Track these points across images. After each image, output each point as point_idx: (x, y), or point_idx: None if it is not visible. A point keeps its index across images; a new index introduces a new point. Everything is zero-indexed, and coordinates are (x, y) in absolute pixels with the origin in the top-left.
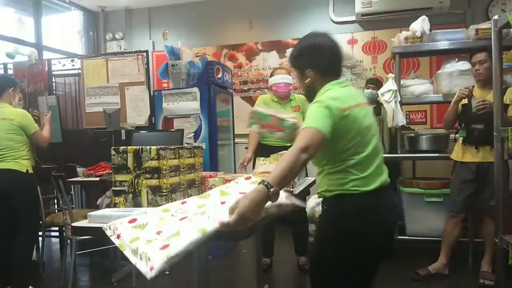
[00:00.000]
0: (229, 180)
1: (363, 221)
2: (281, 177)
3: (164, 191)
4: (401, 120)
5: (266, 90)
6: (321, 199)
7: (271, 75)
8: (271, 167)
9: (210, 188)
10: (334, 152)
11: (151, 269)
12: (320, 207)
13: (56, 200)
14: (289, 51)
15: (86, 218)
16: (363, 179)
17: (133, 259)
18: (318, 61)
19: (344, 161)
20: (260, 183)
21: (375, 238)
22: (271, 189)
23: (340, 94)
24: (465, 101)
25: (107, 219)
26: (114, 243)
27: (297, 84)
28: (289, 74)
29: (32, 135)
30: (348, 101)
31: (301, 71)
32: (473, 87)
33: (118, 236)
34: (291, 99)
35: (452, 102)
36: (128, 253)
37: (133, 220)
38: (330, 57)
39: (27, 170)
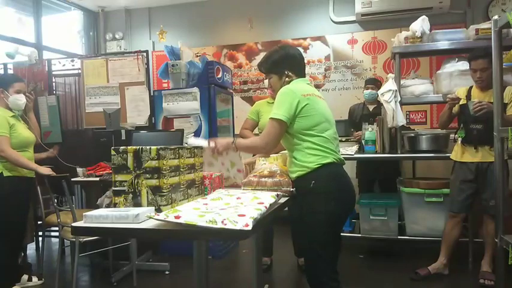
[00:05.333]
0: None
1: (341, 182)
2: (242, 147)
3: (164, 191)
4: (401, 120)
5: (266, 90)
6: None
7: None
8: (270, 167)
9: (211, 184)
10: (306, 128)
11: (246, 225)
12: None
13: (56, 200)
14: (260, 59)
15: None
16: (333, 151)
17: (215, 226)
18: (293, 64)
19: (316, 136)
20: (233, 141)
21: (351, 195)
22: (233, 145)
23: (300, 84)
24: (463, 101)
25: (104, 219)
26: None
27: (273, 87)
28: None
29: None
30: (306, 90)
31: (279, 74)
32: (471, 87)
33: (177, 217)
34: None
35: (446, 107)
36: (202, 224)
37: (178, 217)
38: (299, 61)
39: (1, 172)
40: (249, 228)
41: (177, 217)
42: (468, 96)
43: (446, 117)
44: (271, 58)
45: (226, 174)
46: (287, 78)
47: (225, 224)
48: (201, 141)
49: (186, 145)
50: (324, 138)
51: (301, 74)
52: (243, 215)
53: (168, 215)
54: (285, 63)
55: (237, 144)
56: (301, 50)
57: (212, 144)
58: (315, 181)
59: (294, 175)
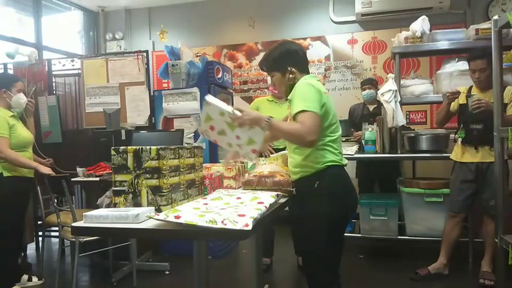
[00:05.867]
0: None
1: (345, 185)
2: (279, 129)
3: (164, 191)
4: (401, 120)
5: (266, 90)
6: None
7: None
8: (271, 167)
9: (210, 184)
10: (322, 126)
11: (246, 225)
12: None
13: (56, 200)
14: (260, 58)
15: None
16: (340, 153)
17: (215, 226)
18: (296, 60)
19: (328, 136)
20: (268, 118)
21: (351, 200)
22: (266, 122)
23: (315, 81)
24: (463, 101)
25: (104, 219)
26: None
27: (276, 87)
28: None
29: None
30: (322, 88)
31: (282, 71)
32: (471, 87)
33: (177, 217)
34: (288, 99)
35: (444, 103)
36: (202, 224)
37: (178, 217)
38: (302, 57)
39: (1, 172)
40: (249, 228)
41: (177, 217)
42: (468, 96)
43: (444, 113)
44: (272, 55)
45: (236, 149)
46: (291, 75)
47: (225, 224)
48: (224, 104)
49: (186, 145)
50: (335, 139)
51: (305, 69)
52: (243, 215)
53: (168, 215)
54: (287, 59)
55: (272, 124)
56: None
57: (238, 113)
58: (319, 182)
59: (296, 176)
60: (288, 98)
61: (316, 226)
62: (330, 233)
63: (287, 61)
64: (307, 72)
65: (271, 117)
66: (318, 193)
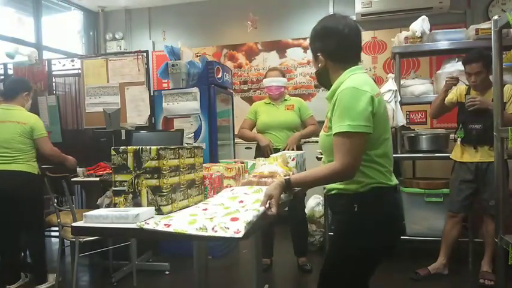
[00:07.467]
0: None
1: (391, 214)
2: (308, 181)
3: (164, 191)
4: (401, 120)
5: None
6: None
7: (265, 77)
8: (270, 167)
9: (210, 184)
10: (369, 139)
11: (237, 231)
12: (321, 207)
13: (56, 200)
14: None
15: None
16: (389, 172)
17: (205, 233)
18: (326, 45)
19: (375, 149)
20: (286, 178)
21: (396, 232)
22: (287, 182)
23: (366, 79)
24: (462, 99)
25: (104, 219)
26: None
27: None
28: (283, 76)
29: (39, 139)
30: (375, 87)
31: (314, 55)
32: (470, 87)
33: (167, 225)
34: (285, 99)
35: (442, 90)
36: (192, 232)
37: (168, 225)
38: (337, 41)
39: (38, 172)
40: (240, 235)
41: (167, 225)
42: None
43: (438, 102)
44: (313, 30)
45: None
46: (320, 64)
47: (216, 231)
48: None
49: (186, 145)
50: (382, 153)
51: (344, 58)
52: (236, 219)
53: (158, 223)
54: (318, 41)
55: (295, 181)
56: (301, 51)
57: (267, 206)
58: (359, 206)
59: (331, 191)
60: (326, 97)
61: (343, 259)
62: (359, 269)
63: (317, 45)
64: (351, 62)
65: (288, 176)
66: (357, 221)
